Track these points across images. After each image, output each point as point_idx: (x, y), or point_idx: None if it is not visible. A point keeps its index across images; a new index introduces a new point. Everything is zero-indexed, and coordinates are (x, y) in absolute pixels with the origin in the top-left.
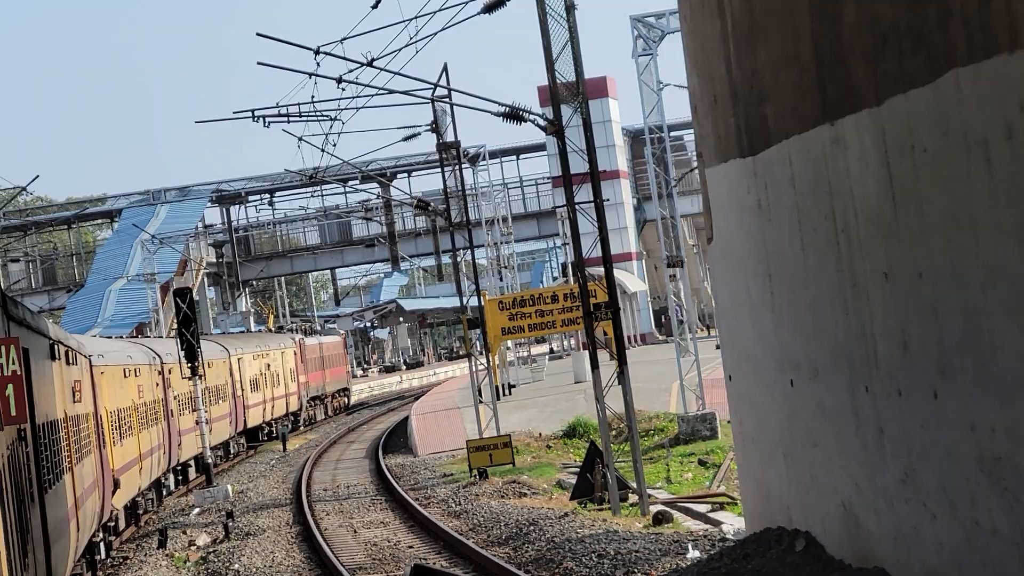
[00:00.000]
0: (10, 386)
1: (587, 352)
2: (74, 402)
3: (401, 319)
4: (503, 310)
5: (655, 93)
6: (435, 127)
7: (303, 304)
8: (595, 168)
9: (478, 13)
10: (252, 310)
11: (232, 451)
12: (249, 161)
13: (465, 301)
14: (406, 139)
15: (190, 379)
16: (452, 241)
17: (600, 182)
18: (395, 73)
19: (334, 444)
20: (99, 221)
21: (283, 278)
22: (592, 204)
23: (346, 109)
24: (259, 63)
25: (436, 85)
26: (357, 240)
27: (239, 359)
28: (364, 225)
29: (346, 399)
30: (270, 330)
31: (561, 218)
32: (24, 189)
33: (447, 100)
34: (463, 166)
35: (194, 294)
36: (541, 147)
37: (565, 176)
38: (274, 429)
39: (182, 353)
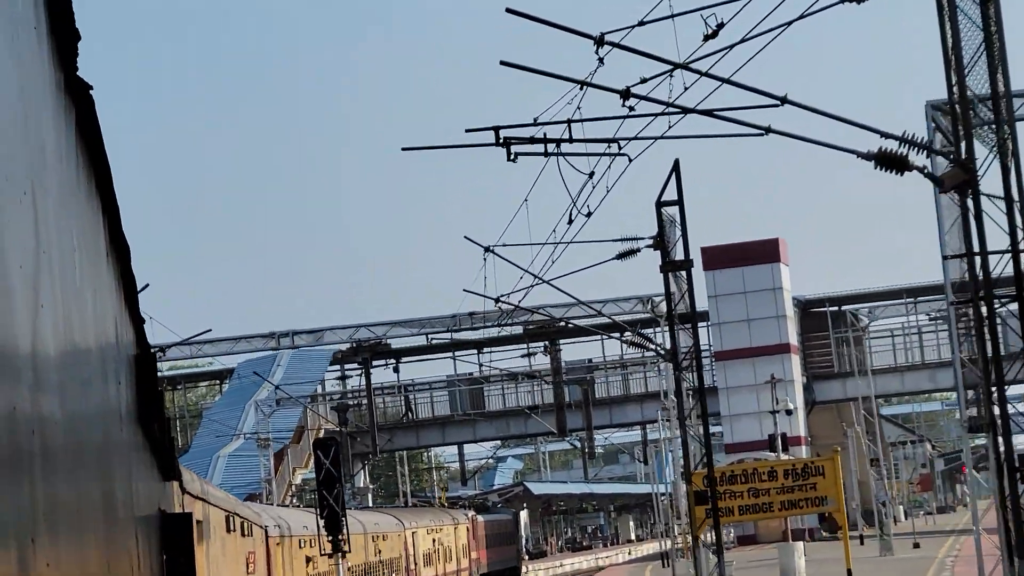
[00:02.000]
0: (181, 559)
1: (799, 544)
2: (248, 573)
3: (525, 504)
4: (707, 487)
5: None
6: (660, 241)
7: (416, 483)
8: None
9: (839, 1)
10: (370, 487)
11: None
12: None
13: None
14: (621, 256)
15: (330, 556)
16: (679, 390)
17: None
18: (724, 81)
19: None
20: (205, 384)
21: (405, 452)
22: None
23: (637, 139)
24: (502, 63)
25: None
26: (510, 410)
27: (413, 532)
28: (500, 396)
29: None
30: (442, 505)
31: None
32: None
33: (783, 130)
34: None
35: (310, 464)
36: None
37: (978, 233)
38: None
39: (322, 523)
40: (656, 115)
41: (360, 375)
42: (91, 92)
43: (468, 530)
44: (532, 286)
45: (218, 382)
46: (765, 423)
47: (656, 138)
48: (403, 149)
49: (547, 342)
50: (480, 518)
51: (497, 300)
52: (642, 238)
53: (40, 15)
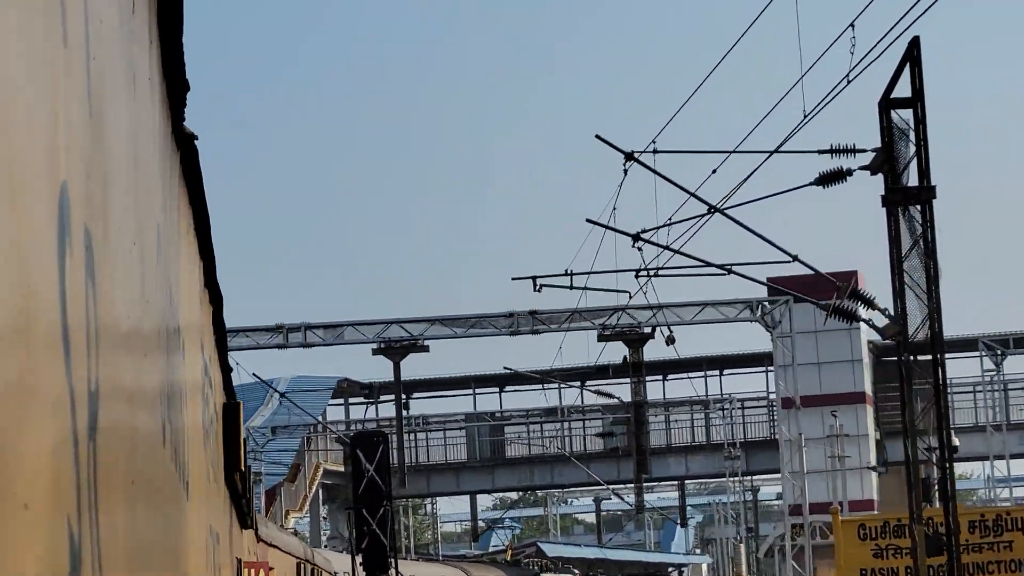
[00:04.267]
0: None
1: None
2: None
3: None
4: (865, 540)
5: None
6: (888, 153)
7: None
8: None
9: None
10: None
11: None
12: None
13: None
14: (823, 181)
15: None
16: (907, 385)
17: None
18: None
19: None
20: None
21: (409, 502)
22: None
23: None
24: None
25: None
26: (535, 456)
27: None
28: (521, 436)
29: None
30: (505, 562)
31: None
32: None
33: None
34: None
35: (305, 508)
36: (755, 359)
37: None
38: None
39: (359, 562)
40: None
41: (366, 408)
42: (196, 141)
43: None
44: (702, 217)
45: None
46: (839, 481)
47: None
48: None
49: (626, 360)
50: None
51: (636, 237)
52: (863, 150)
53: (154, 63)
